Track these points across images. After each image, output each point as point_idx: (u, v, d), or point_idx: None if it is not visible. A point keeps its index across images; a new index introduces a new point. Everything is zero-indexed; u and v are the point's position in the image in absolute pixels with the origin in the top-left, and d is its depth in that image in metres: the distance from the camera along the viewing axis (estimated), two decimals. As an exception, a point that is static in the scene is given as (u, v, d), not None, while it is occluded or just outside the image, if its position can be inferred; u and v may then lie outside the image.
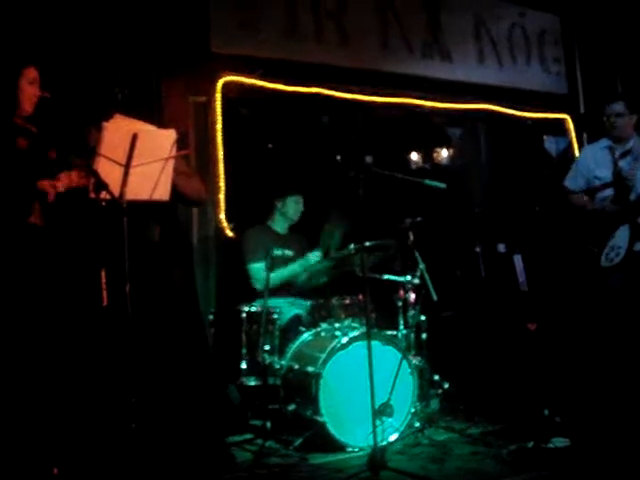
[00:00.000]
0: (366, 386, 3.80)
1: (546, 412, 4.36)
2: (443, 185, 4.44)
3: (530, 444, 4.05)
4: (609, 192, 4.92)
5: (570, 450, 3.99)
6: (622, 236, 4.76)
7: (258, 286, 5.09)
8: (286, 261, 5.29)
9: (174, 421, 3.92)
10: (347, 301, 4.89)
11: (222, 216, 5.26)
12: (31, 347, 3.39)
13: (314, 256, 5.17)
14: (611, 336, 4.61)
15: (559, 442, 4.05)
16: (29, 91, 3.58)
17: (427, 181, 4.48)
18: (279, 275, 5.12)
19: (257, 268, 5.09)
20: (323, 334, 4.71)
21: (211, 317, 4.76)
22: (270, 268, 4.58)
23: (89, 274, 3.65)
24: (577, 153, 6.97)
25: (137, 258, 3.79)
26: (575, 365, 4.81)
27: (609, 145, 5.02)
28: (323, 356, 4.37)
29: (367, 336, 3.91)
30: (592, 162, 5.07)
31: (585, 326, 4.91)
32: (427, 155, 6.95)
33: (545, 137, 7.24)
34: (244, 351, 4.59)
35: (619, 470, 3.57)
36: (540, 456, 3.93)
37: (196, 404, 4.03)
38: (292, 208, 5.39)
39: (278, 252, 5.22)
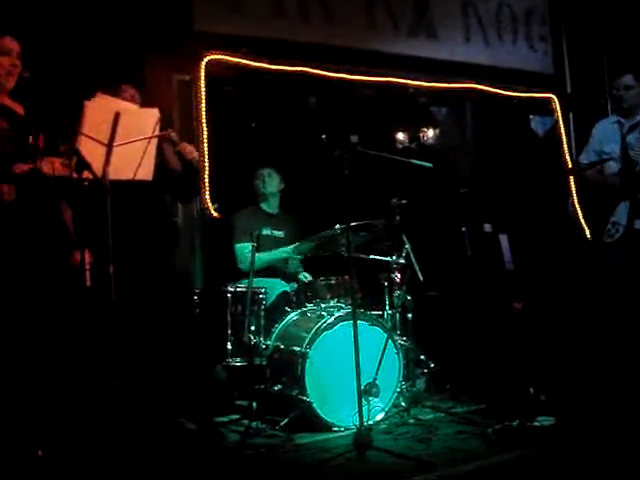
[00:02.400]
0: (352, 366, 3.79)
1: (531, 391, 4.38)
2: (429, 165, 4.43)
3: (515, 423, 4.07)
4: (618, 166, 4.89)
5: (555, 429, 4.01)
6: (622, 212, 4.76)
7: (242, 266, 5.08)
8: (275, 241, 5.28)
9: (161, 401, 3.91)
10: (333, 281, 4.88)
11: (207, 196, 5.22)
12: (13, 328, 3.35)
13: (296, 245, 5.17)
14: (602, 314, 4.62)
15: (544, 421, 4.07)
16: (4, 63, 3.50)
17: (414, 161, 4.47)
18: (264, 258, 5.11)
19: (242, 248, 5.08)
20: (309, 314, 4.71)
21: (195, 297, 4.72)
22: (256, 248, 4.56)
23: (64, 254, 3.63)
24: (563, 133, 6.96)
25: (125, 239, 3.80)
26: (560, 344, 4.83)
27: (618, 120, 5.01)
28: (309, 336, 4.36)
29: (353, 316, 3.91)
30: (603, 137, 5.05)
31: (573, 304, 4.93)
32: (413, 135, 6.93)
33: (531, 117, 7.22)
34: (229, 331, 4.57)
35: (604, 448, 3.59)
36: (525, 435, 3.95)
37: (182, 385, 4.01)
38: (262, 182, 5.39)
39: (267, 232, 5.23)
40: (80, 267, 3.65)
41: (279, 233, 5.37)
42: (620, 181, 4.83)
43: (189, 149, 4.27)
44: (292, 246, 5.16)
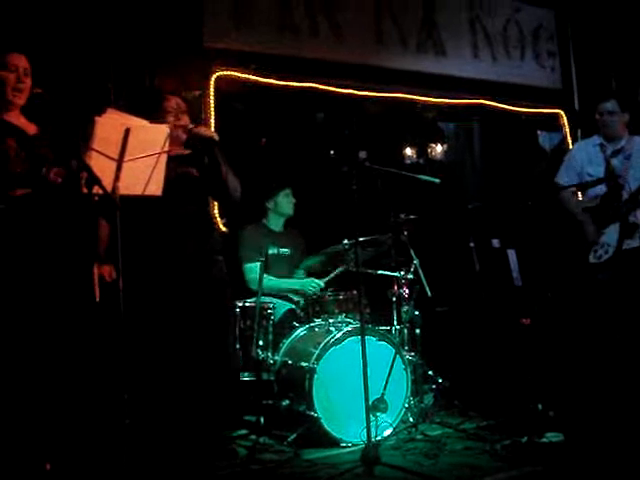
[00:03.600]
0: (360, 381, 3.79)
1: (540, 407, 4.36)
2: (437, 180, 4.45)
3: (524, 439, 4.05)
4: (601, 189, 4.91)
5: (564, 445, 3.99)
6: (612, 234, 4.77)
7: (253, 287, 5.05)
8: (282, 259, 5.28)
9: (171, 417, 3.91)
10: (341, 296, 4.89)
11: (215, 211, 5.24)
12: (23, 342, 3.37)
13: (315, 284, 5.16)
14: (602, 331, 4.61)
15: (553, 437, 4.06)
16: (10, 79, 3.50)
17: (421, 176, 4.48)
18: (275, 284, 5.14)
19: (252, 269, 5.06)
20: (317, 329, 4.71)
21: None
22: (265, 267, 4.56)
23: (81, 270, 3.63)
24: (571, 148, 6.97)
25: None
26: (569, 360, 4.81)
27: (600, 142, 5.01)
28: (317, 351, 4.36)
29: (361, 331, 3.90)
30: (585, 159, 5.06)
31: (577, 321, 4.92)
32: (421, 150, 6.95)
33: (539, 132, 7.24)
34: (238, 346, 4.58)
35: (613, 465, 3.57)
36: (534, 451, 3.93)
37: (195, 399, 4.00)
38: (284, 203, 5.38)
39: (274, 251, 5.23)
40: (111, 281, 3.67)
41: (285, 251, 5.37)
42: (602, 203, 4.86)
43: (203, 128, 4.26)
44: (304, 283, 5.18)
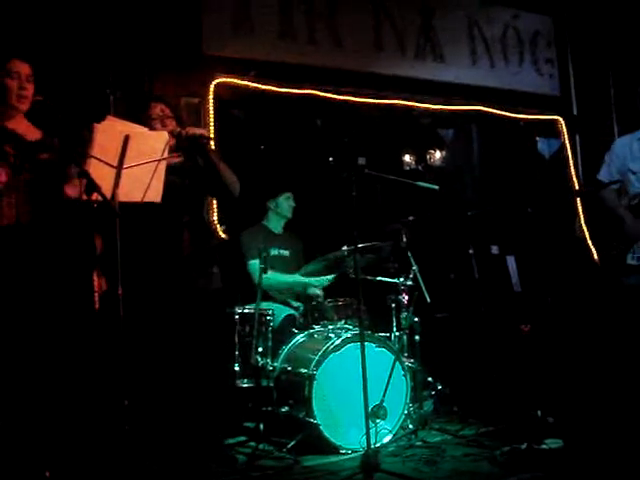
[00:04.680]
0: (359, 388, 3.79)
1: (539, 413, 4.36)
2: (436, 187, 4.46)
3: (523, 445, 4.04)
4: None
5: (563, 451, 3.99)
6: None
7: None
8: (283, 260, 5.30)
9: (170, 424, 3.90)
10: (340, 303, 4.89)
11: (215, 218, 5.24)
12: (22, 350, 3.37)
13: (320, 279, 5.20)
14: (612, 335, 4.58)
15: (552, 443, 4.05)
16: (13, 86, 3.51)
17: (420, 183, 4.49)
18: (282, 279, 5.19)
19: (256, 264, 5.05)
20: (316, 336, 4.70)
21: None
22: (265, 267, 4.57)
23: (81, 278, 3.64)
24: (570, 154, 6.99)
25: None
26: (568, 366, 4.81)
27: None
28: (316, 358, 4.36)
29: (360, 338, 3.90)
30: (627, 154, 4.74)
31: (580, 326, 4.91)
32: (420, 157, 6.96)
33: (537, 139, 7.25)
34: (237, 353, 4.58)
35: (612, 471, 3.57)
36: (533, 457, 3.93)
37: (193, 406, 4.00)
38: (285, 205, 5.45)
39: (275, 252, 5.26)
40: (103, 291, 3.67)
41: (285, 252, 5.42)
42: (634, 220, 4.58)
43: (192, 128, 4.17)
44: (310, 279, 5.20)
